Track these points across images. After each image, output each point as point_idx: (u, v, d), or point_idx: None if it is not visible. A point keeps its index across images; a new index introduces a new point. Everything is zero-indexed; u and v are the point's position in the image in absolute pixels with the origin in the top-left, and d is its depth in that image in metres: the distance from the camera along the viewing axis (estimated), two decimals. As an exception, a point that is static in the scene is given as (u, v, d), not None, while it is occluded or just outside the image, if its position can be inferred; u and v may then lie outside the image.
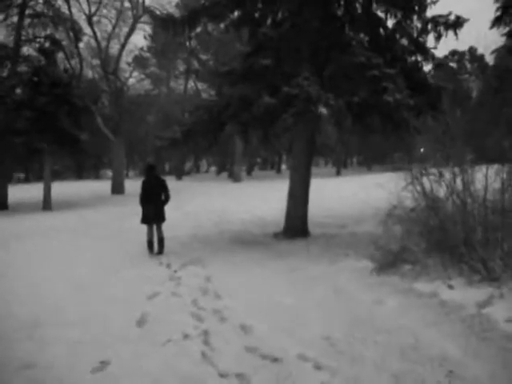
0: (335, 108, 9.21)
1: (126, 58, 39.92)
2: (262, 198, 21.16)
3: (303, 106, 9.05)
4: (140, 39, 51.13)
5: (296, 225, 11.81)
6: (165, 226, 10.59)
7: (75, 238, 13.20)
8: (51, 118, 20.87)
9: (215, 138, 11.17)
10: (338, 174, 48.38)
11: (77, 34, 26.70)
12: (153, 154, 50.41)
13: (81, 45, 30.36)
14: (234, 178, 40.48)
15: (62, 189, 32.25)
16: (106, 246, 11.58)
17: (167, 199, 10.39)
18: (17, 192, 30.18)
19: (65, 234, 13.89)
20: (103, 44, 31.70)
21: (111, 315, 6.14)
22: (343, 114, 9.47)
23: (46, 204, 22.50)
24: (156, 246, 10.31)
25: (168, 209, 10.68)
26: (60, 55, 28.86)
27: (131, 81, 43.36)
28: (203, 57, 49.49)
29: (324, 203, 17.17)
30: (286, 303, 6.31)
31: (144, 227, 10.43)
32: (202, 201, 22.14)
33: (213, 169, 73.02)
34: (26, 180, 50.01)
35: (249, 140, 13.09)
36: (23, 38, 24.77)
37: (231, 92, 9.85)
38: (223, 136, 11.42)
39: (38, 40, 24.64)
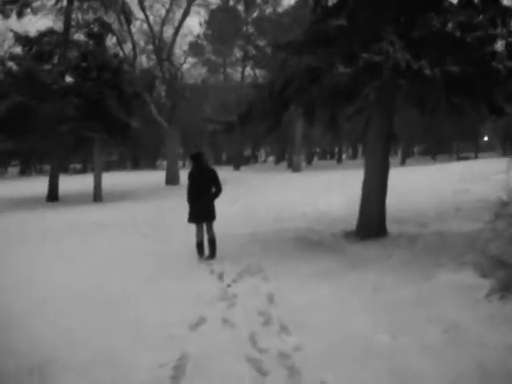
0: (430, 80, 7.25)
1: (181, 43, 38.50)
2: (325, 190, 19.21)
3: (390, 77, 7.15)
4: (195, 25, 49.67)
5: (371, 222, 9.94)
6: (219, 223, 8.95)
7: (118, 234, 11.77)
8: (99, 105, 19.61)
9: (276, 120, 9.35)
10: (403, 163, 45.64)
11: (128, 16, 25.35)
12: (207, 142, 49.05)
13: (133, 30, 29.15)
14: (294, 167, 38.63)
15: (116, 179, 31.47)
16: (150, 247, 10.05)
17: (218, 193, 8.69)
18: (72, 183, 29.53)
19: (108, 230, 12.49)
20: (156, 29, 30.37)
21: (137, 356, 4.46)
22: (439, 87, 7.47)
23: (97, 195, 21.37)
24: (206, 249, 8.67)
25: (223, 202, 9.03)
26: (113, 41, 27.86)
27: (185, 66, 41.97)
28: (260, 43, 47.69)
29: (395, 195, 15.13)
30: (380, 344, 4.47)
31: (192, 226, 8.80)
32: (260, 193, 20.43)
33: (271, 158, 71.38)
34: (83, 171, 49.65)
35: (314, 123, 11.14)
36: (73, 22, 23.66)
37: (296, 63, 7.99)
38: (285, 118, 9.60)
39: (87, 24, 23.41)
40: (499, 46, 8.52)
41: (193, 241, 8.86)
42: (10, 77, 21.16)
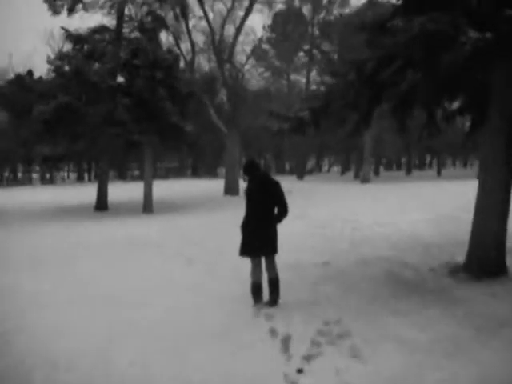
0: None
1: (243, 42, 36.08)
2: (403, 206, 16.38)
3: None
4: (257, 26, 47.39)
5: (487, 255, 7.36)
6: (283, 244, 6.43)
7: (156, 257, 9.61)
8: (150, 106, 17.60)
9: (367, 113, 6.78)
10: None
11: (184, 10, 23.24)
12: (270, 149, 46.60)
13: (191, 27, 27.27)
14: (362, 178, 35.46)
15: (173, 187, 29.78)
16: (192, 278, 7.71)
17: (283, 214, 6.14)
18: (126, 191, 28.11)
19: (147, 250, 10.39)
20: (216, 27, 28.27)
21: None
22: None
23: (147, 206, 19.29)
24: (266, 293, 6.20)
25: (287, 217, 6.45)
26: (169, 39, 26.19)
27: (247, 67, 39.69)
28: (326, 48, 45.16)
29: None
30: None
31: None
32: (329, 206, 17.74)
33: (335, 168, 68.42)
34: (141, 177, 48.36)
35: (405, 122, 8.28)
36: (126, 18, 21.82)
37: (404, 27, 5.44)
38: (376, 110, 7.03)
39: (139, 19, 21.50)
40: None
41: (245, 278, 6.45)
42: (59, 76, 19.55)
